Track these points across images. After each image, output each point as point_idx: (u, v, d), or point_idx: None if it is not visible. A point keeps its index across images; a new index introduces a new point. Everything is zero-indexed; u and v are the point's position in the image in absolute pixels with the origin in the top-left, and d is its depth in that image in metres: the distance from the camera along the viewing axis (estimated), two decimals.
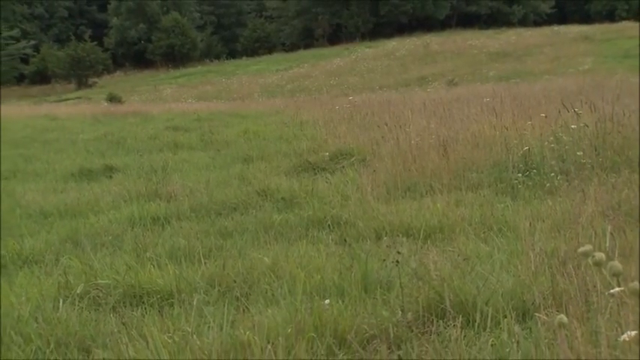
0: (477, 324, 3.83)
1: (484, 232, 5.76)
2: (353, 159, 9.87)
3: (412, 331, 3.80)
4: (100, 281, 5.00)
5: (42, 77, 67.81)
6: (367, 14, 72.79)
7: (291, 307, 4.15)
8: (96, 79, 64.16)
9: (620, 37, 47.16)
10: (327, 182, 8.51)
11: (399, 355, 3.59)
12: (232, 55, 71.94)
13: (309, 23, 75.98)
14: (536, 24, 69.75)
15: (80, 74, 63.97)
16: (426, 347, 3.56)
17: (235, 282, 4.89)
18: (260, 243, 6.01)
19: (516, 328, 3.56)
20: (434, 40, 57.36)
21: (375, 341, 3.67)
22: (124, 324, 4.12)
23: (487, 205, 6.66)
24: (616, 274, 2.53)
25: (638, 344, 2.54)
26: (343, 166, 9.57)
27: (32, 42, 68.93)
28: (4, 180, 10.69)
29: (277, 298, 4.48)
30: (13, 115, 24.37)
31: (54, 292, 4.89)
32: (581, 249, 2.64)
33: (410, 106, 14.48)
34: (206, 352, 3.53)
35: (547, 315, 3.49)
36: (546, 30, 57.38)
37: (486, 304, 3.95)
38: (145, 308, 4.61)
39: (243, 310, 4.37)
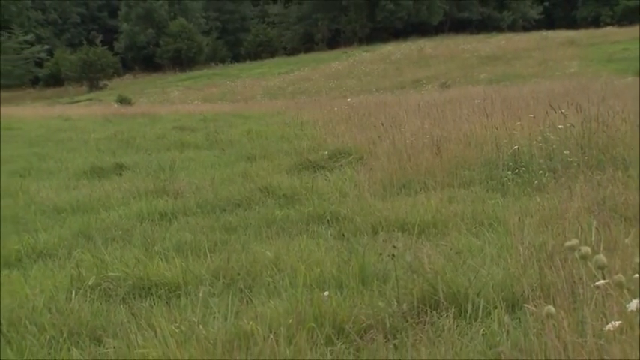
0: (468, 314, 3.83)
1: (475, 227, 5.76)
2: (351, 158, 9.86)
3: (407, 321, 3.80)
4: (110, 274, 5.00)
5: (55, 80, 67.79)
6: (364, 20, 72.77)
7: (292, 298, 4.15)
8: (106, 82, 64.14)
9: (605, 42, 47.19)
10: (326, 180, 8.50)
11: (394, 344, 3.59)
12: (236, 58, 71.94)
13: (310, 28, 75.98)
14: (525, 29, 69.73)
15: (92, 77, 63.96)
16: (421, 336, 3.56)
17: (239, 274, 4.89)
18: (262, 237, 6.01)
19: (506, 318, 3.56)
20: (428, 45, 57.35)
21: (372, 331, 3.67)
22: (133, 314, 4.12)
23: (478, 201, 6.66)
24: (601, 267, 2.53)
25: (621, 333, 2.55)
26: (342, 165, 9.56)
27: (46, 46, 68.98)
28: (19, 178, 10.68)
29: (279, 290, 4.48)
30: (28, 116, 24.37)
31: (67, 284, 4.89)
32: (568, 243, 2.64)
33: (405, 107, 14.47)
34: (211, 341, 3.53)
35: (535, 306, 3.49)
36: (535, 35, 57.35)
37: (478, 295, 3.95)
38: (154, 299, 4.61)
39: (247, 302, 4.37)
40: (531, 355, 3.03)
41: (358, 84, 41.59)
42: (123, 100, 38.18)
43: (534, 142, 8.29)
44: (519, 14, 76.37)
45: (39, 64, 68.79)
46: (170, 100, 42.45)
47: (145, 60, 73.82)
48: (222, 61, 71.24)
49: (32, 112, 28.65)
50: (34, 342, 3.98)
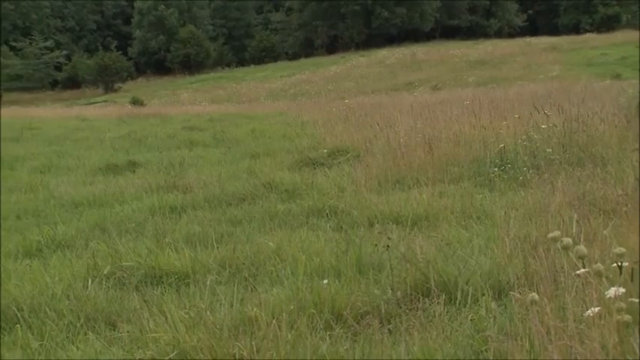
0: (458, 301, 3.82)
1: (464, 220, 5.75)
2: (348, 155, 9.84)
3: (401, 307, 3.80)
4: (124, 263, 4.99)
5: (73, 83, 67.72)
6: (361, 26, 72.68)
7: (293, 286, 4.14)
8: (121, 85, 64.04)
9: (585, 48, 47.15)
10: (325, 176, 8.49)
11: (389, 329, 3.58)
12: (241, 63, 71.85)
13: (310, 35, 75.90)
14: (511, 35, 69.63)
15: (107, 80, 63.86)
16: (414, 322, 3.56)
17: (244, 264, 4.88)
18: (266, 230, 6.00)
19: (493, 305, 3.55)
20: (420, 50, 57.26)
21: (368, 317, 3.66)
22: (145, 301, 4.11)
23: (467, 196, 6.65)
24: (581, 257, 2.52)
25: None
26: (340, 162, 9.54)
27: (65, 52, 69.02)
28: (39, 174, 10.68)
29: (281, 279, 4.47)
30: (48, 117, 24.34)
31: (84, 273, 4.89)
32: (551, 235, 2.63)
33: (399, 108, 14.45)
34: (218, 326, 3.52)
35: (520, 293, 3.48)
36: (519, 41, 57.26)
37: (466, 283, 3.95)
38: (164, 287, 4.60)
39: (251, 289, 4.36)
40: (516, 339, 3.02)
41: (355, 86, 41.51)
42: (136, 102, 38.05)
43: (519, 141, 8.28)
44: (505, 22, 76.33)
45: (58, 68, 68.76)
46: (180, 102, 42.38)
47: (157, 64, 73.74)
48: (229, 65, 71.15)
49: (52, 112, 28.60)
50: (53, 327, 3.98)
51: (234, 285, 4.34)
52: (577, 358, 2.63)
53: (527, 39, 58.12)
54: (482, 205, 6.17)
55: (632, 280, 2.62)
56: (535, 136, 8.36)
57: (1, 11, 67.86)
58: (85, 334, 3.90)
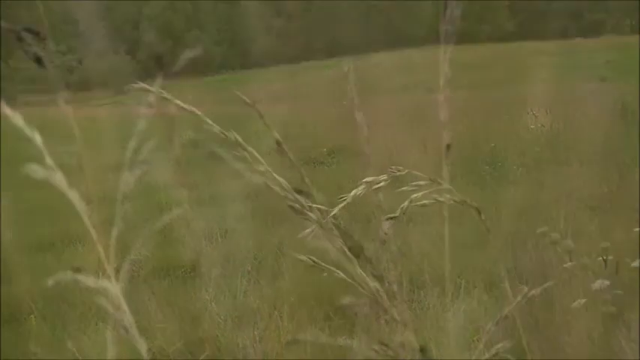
0: (451, 293, 3.82)
1: (458, 216, 5.73)
2: (347, 154, 9.81)
3: (397, 299, 3.79)
4: (133, 257, 4.97)
5: (85, 85, 67.69)
6: (359, 31, 72.69)
7: (294, 279, 4.13)
8: (129, 87, 64.01)
9: (572, 52, 47.02)
10: (325, 174, 8.46)
11: (385, 319, 3.57)
12: (245, 66, 71.79)
13: (310, 39, 75.87)
14: (501, 40, 69.56)
15: (116, 83, 63.85)
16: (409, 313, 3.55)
17: (247, 258, 4.87)
18: (268, 225, 5.99)
19: (484, 297, 3.55)
20: (415, 53, 57.12)
21: (365, 308, 3.65)
22: (153, 293, 4.11)
23: (460, 193, 6.63)
24: (568, 251, 2.53)
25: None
26: (338, 161, 9.52)
27: (76, 55, 68.98)
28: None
29: (283, 272, 4.46)
30: (60, 118, 24.28)
31: (95, 266, 4.87)
32: (539, 230, 2.63)
33: (395, 109, 14.40)
34: (222, 318, 3.52)
35: (510, 286, 3.48)
36: (510, 45, 57.10)
37: (459, 276, 3.94)
38: (172, 280, 4.60)
39: (254, 282, 4.36)
40: (507, 329, 3.02)
41: (353, 88, 41.33)
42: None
43: (510, 140, 8.26)
44: (496, 26, 76.37)
45: (70, 71, 68.77)
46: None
47: (164, 67, 73.78)
48: (233, 68, 71.13)
49: (63, 113, 28.49)
50: (66, 318, 3.98)
51: (237, 278, 4.34)
52: (564, 347, 2.63)
53: (517, 43, 58.00)
54: (474, 201, 6.15)
55: (616, 273, 2.62)
56: (525, 135, 8.35)
57: (12, 16, 67.84)
58: (96, 323, 3.89)
